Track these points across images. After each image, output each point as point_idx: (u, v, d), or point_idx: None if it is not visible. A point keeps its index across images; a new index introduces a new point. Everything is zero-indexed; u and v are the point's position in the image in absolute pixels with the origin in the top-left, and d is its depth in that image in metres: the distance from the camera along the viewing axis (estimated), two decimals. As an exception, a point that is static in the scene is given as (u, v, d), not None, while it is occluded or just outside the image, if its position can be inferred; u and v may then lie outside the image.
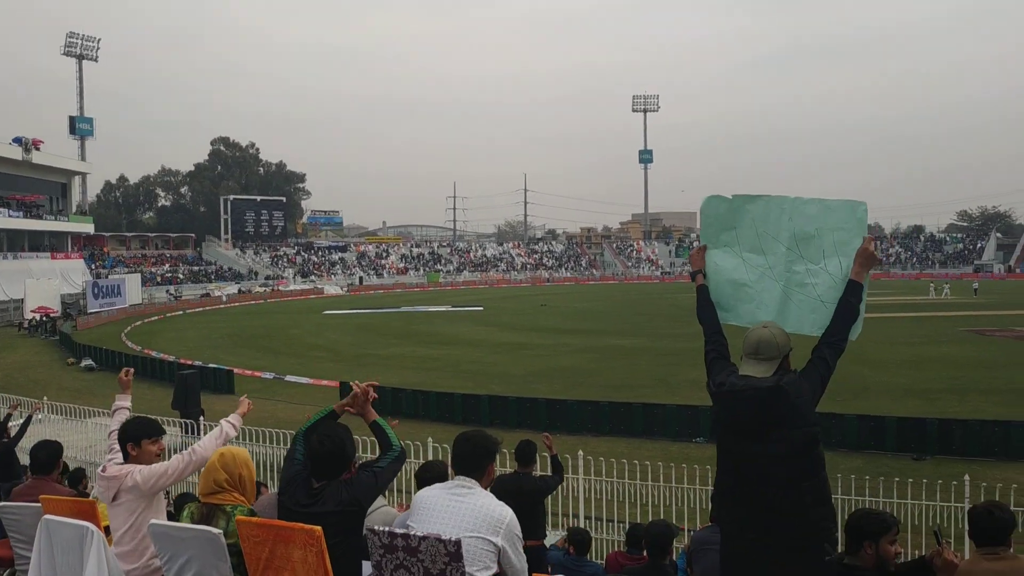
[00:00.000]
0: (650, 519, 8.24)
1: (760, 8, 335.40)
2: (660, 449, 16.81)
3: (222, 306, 67.60)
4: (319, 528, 3.45)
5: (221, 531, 3.73)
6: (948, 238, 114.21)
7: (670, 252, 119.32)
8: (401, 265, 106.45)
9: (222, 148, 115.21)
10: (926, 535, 9.55)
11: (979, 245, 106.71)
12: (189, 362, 29.03)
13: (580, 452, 11.64)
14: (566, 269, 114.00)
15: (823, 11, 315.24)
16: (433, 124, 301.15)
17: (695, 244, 4.61)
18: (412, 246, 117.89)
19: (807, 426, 3.40)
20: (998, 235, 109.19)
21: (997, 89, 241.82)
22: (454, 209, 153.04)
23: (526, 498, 6.19)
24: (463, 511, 3.51)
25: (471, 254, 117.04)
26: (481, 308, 58.79)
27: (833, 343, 3.57)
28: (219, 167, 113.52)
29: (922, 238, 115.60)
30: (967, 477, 9.90)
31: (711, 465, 4.18)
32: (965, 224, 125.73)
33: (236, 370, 27.15)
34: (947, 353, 30.17)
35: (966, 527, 3.95)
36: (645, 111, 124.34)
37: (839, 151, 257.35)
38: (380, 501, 4.76)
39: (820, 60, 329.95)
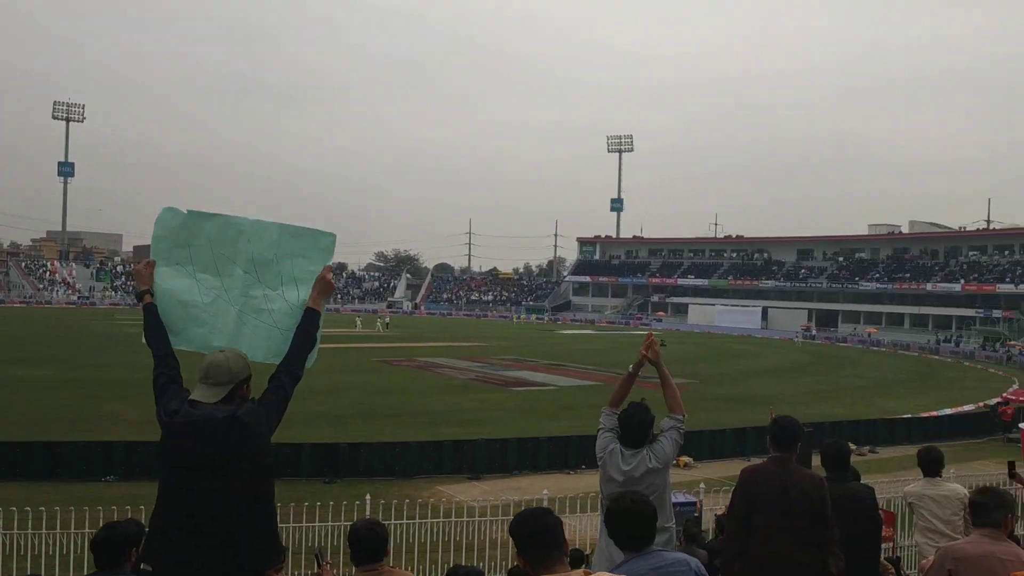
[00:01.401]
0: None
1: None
2: (64, 492, 15.13)
3: None
4: None
5: None
6: (367, 275, 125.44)
7: (91, 275, 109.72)
8: None
9: None
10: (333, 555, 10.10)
11: (392, 284, 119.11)
12: None
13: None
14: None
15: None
16: None
17: (121, 266, 4.08)
18: None
19: (264, 456, 3.30)
20: (408, 275, 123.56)
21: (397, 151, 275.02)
22: None
23: None
24: None
25: None
26: None
27: (291, 371, 3.49)
28: None
29: (344, 274, 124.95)
30: (368, 496, 10.76)
31: (131, 504, 3.79)
32: (381, 264, 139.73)
33: None
34: (360, 381, 32.85)
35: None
36: (67, 119, 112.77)
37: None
38: None
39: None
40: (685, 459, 19.39)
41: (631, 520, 3.26)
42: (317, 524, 10.72)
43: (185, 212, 3.77)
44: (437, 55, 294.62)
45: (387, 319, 74.41)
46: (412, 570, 10.68)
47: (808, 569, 4.53)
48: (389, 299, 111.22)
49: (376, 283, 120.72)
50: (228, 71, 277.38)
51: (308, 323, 3.60)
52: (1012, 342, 64.24)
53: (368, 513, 10.59)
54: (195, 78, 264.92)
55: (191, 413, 3.24)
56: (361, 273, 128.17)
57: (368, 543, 3.76)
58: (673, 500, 9.68)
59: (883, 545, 7.64)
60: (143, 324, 3.64)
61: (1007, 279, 76.21)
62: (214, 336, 3.61)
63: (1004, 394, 31.45)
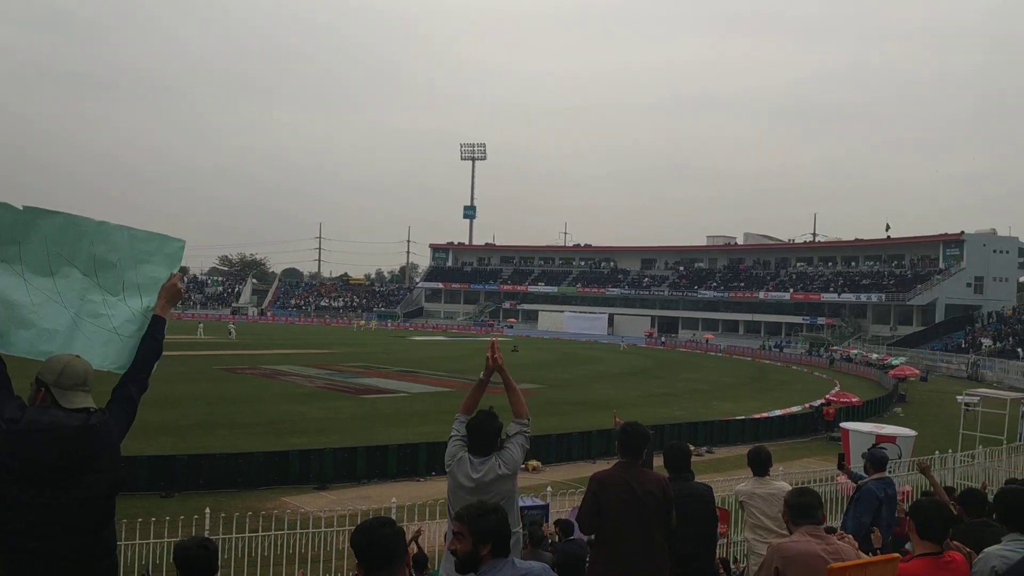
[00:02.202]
0: None
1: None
2: None
3: None
4: None
5: None
6: (210, 280, 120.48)
7: None
8: None
9: None
10: (168, 573, 9.61)
11: (237, 289, 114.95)
12: None
13: None
14: None
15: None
16: None
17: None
18: None
19: (116, 469, 3.10)
20: (254, 281, 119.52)
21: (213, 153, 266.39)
22: None
23: None
24: None
25: None
26: None
27: (138, 380, 3.36)
28: None
29: (186, 279, 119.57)
30: (207, 510, 10.31)
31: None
32: (226, 268, 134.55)
33: None
34: (201, 390, 31.48)
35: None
36: None
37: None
38: None
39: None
40: (534, 463, 19.70)
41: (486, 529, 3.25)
42: (152, 540, 10.17)
43: (20, 208, 3.47)
44: (284, 54, 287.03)
45: (232, 325, 71.81)
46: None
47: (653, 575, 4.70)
48: (234, 305, 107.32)
49: (220, 288, 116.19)
50: (57, 62, 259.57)
51: (155, 331, 3.50)
52: (834, 347, 69.10)
53: (208, 528, 10.15)
54: (20, 67, 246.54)
55: (38, 420, 2.98)
56: (204, 277, 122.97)
57: (201, 563, 3.48)
58: (521, 504, 9.80)
59: (718, 541, 8.02)
60: None
61: (830, 288, 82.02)
62: (43, 340, 3.35)
63: (827, 396, 33.73)
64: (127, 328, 3.50)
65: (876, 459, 8.23)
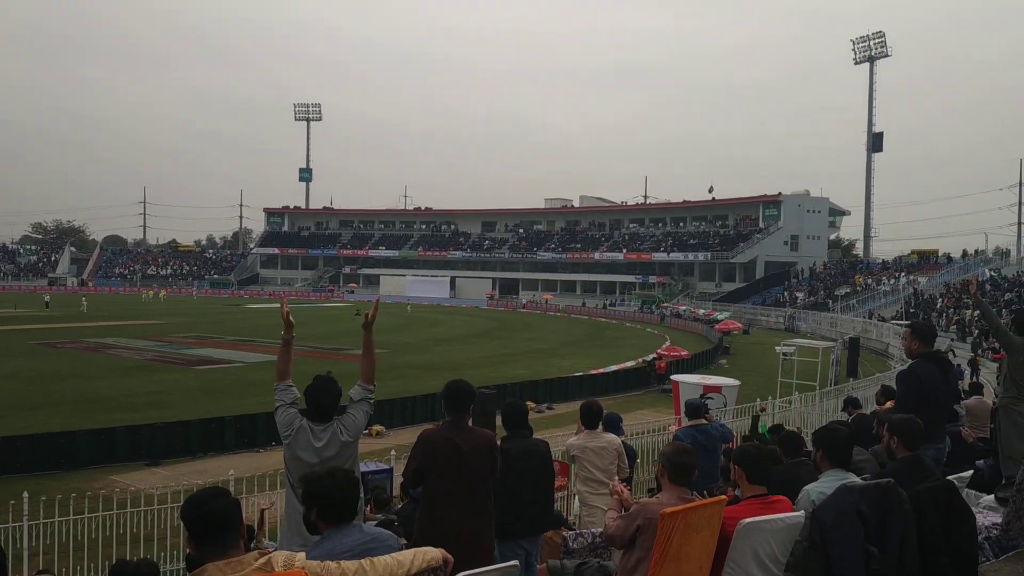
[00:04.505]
0: None
1: None
2: None
3: None
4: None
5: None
6: (22, 250, 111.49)
7: None
8: None
9: None
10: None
11: (54, 258, 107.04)
12: None
13: None
14: None
15: None
16: None
17: None
18: None
19: None
20: (72, 249, 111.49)
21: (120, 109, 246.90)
22: None
23: None
24: None
25: None
26: None
27: None
28: None
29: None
30: (26, 494, 9.65)
31: None
32: (40, 237, 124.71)
33: None
34: (16, 367, 29.28)
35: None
36: None
37: None
38: None
39: None
40: (377, 428, 19.64)
41: (338, 496, 3.22)
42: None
43: None
44: (118, 9, 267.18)
45: (47, 298, 66.89)
46: (81, 570, 9.80)
47: (479, 533, 4.77)
48: (50, 275, 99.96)
49: (34, 258, 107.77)
50: None
51: None
52: (664, 304, 72.43)
53: (27, 512, 9.50)
54: None
55: None
56: (15, 247, 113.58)
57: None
58: (364, 469, 9.77)
59: (557, 494, 8.29)
60: None
61: (661, 248, 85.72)
62: None
63: (658, 350, 35.42)
64: None
65: (689, 408, 8.78)
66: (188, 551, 4.99)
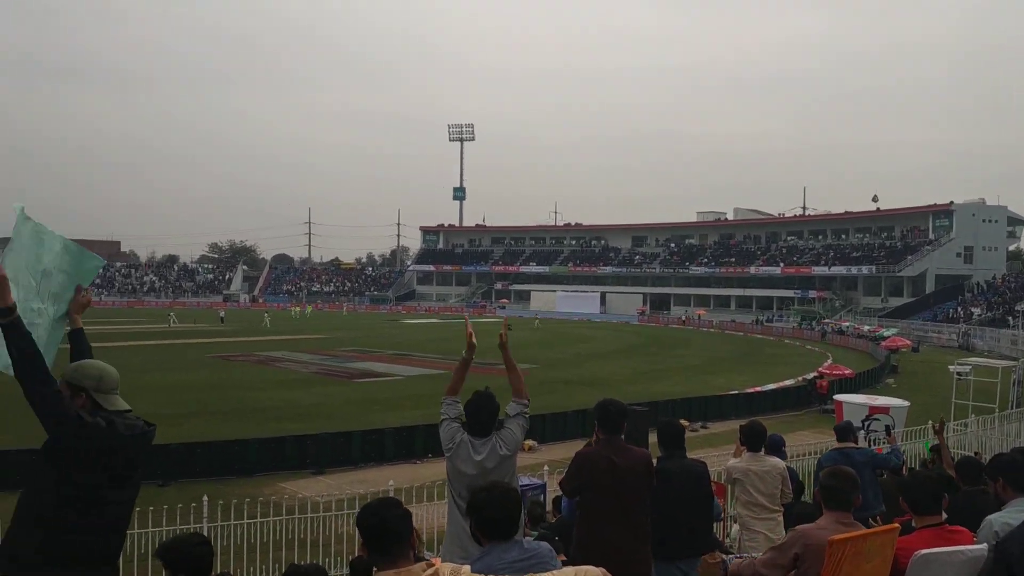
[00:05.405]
0: None
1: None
2: None
3: None
4: None
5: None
6: (200, 268, 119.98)
7: None
8: None
9: None
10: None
11: (228, 276, 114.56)
12: None
13: None
14: None
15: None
16: None
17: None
18: None
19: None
20: (244, 267, 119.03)
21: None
22: None
23: None
24: None
25: None
26: None
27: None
28: None
29: (176, 267, 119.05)
30: (206, 498, 10.32)
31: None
32: (215, 256, 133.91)
33: None
34: (195, 379, 31.44)
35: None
36: None
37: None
38: None
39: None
40: (530, 442, 19.77)
41: (500, 512, 3.23)
42: (151, 530, 10.17)
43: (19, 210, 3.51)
44: (273, 39, 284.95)
45: (223, 314, 71.62)
46: (254, 571, 10.36)
47: (635, 551, 4.71)
48: (225, 292, 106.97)
49: (211, 276, 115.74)
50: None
51: (78, 342, 3.65)
52: (826, 320, 69.38)
53: (206, 515, 10.16)
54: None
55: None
56: (194, 265, 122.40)
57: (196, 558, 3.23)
58: (520, 483, 9.82)
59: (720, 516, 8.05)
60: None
61: (821, 262, 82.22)
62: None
63: (819, 368, 33.88)
64: (46, 335, 3.52)
65: (839, 429, 8.33)
66: (358, 556, 5.18)
